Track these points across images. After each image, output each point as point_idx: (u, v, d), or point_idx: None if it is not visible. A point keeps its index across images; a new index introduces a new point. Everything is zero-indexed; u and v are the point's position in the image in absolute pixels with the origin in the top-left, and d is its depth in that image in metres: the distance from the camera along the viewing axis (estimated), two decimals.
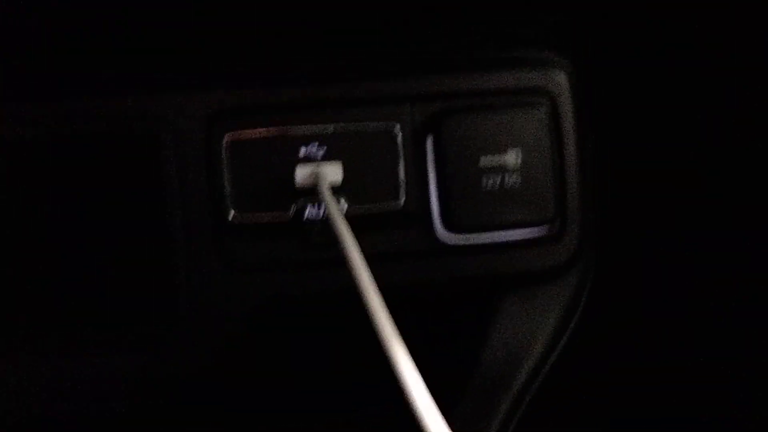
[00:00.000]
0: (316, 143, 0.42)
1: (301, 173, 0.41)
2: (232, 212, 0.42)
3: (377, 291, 0.32)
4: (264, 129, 0.42)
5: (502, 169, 0.43)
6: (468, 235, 0.44)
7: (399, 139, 0.43)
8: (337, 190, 0.42)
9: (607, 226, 0.48)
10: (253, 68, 0.43)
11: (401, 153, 0.43)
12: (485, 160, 0.43)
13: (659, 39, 0.44)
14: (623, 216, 0.48)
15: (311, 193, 0.41)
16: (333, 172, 0.41)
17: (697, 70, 0.43)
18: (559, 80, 0.45)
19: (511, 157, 0.43)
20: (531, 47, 0.46)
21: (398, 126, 0.43)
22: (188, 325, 0.42)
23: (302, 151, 0.42)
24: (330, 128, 0.42)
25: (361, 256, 0.34)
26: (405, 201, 0.43)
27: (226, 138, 0.41)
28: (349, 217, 0.42)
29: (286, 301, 0.43)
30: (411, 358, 0.30)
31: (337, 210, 0.38)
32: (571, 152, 0.45)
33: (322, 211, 0.42)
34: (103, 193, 0.41)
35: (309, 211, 0.42)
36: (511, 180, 0.43)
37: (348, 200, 0.43)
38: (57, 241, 0.41)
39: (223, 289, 0.42)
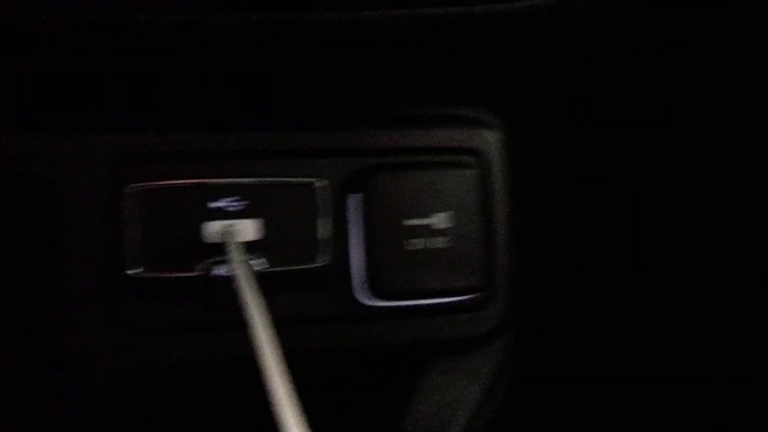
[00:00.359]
0: (231, 196, 0.39)
1: (211, 228, 0.38)
2: (133, 269, 0.38)
3: (279, 360, 0.29)
4: (174, 178, 0.39)
5: (429, 232, 0.41)
6: (392, 301, 0.41)
7: (321, 195, 0.40)
8: (253, 247, 0.39)
9: (534, 294, 0.46)
10: (166, 111, 0.40)
11: (323, 210, 0.40)
12: (412, 222, 0.41)
13: (589, 99, 0.44)
14: (549, 283, 0.46)
15: (220, 250, 0.38)
16: (246, 228, 0.38)
17: (630, 129, 0.42)
18: (491, 140, 0.43)
19: (440, 219, 0.41)
20: (463, 105, 0.45)
21: (323, 181, 0.40)
22: (81, 395, 0.38)
23: (215, 204, 0.39)
24: (247, 181, 0.39)
25: (266, 321, 0.31)
26: (325, 261, 0.40)
27: (132, 186, 0.38)
28: (265, 276, 0.39)
29: (190, 368, 0.39)
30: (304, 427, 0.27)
31: (244, 269, 0.34)
32: (501, 216, 0.43)
33: (230, 270, 0.39)
34: None
35: (218, 269, 0.39)
36: (439, 243, 0.41)
37: (265, 258, 0.39)
38: None
39: (120, 354, 0.38)
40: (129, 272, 0.38)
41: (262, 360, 0.29)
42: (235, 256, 0.36)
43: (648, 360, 0.42)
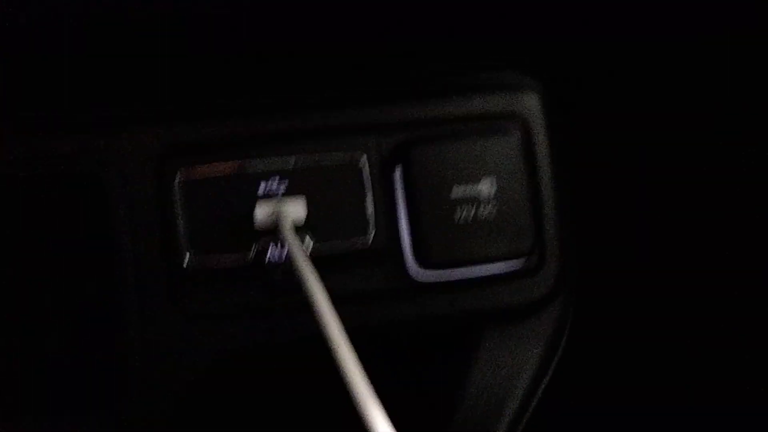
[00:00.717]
0: (277, 178, 0.39)
1: (261, 212, 0.38)
2: (188, 257, 0.38)
3: (346, 338, 0.29)
4: (220, 165, 0.39)
5: (475, 200, 0.41)
6: (442, 272, 0.41)
7: (365, 171, 0.40)
8: (301, 228, 0.39)
9: (587, 256, 0.46)
10: (206, 99, 0.40)
11: (368, 186, 0.40)
12: (457, 191, 0.41)
13: (631, 58, 0.43)
14: (603, 244, 0.45)
15: (273, 232, 0.38)
16: (295, 209, 0.38)
17: (671, 91, 0.41)
18: (531, 103, 0.43)
19: (485, 187, 0.41)
20: (500, 70, 0.44)
21: (364, 157, 0.40)
22: (144, 382, 0.39)
23: (262, 187, 0.39)
24: (291, 161, 0.40)
25: (328, 301, 0.31)
26: (374, 237, 0.40)
27: (179, 176, 0.38)
28: (315, 256, 0.39)
29: (250, 352, 0.40)
30: (384, 412, 0.27)
31: (300, 251, 0.34)
32: (547, 179, 0.43)
33: (285, 252, 0.39)
34: (48, 241, 0.38)
35: (271, 253, 0.39)
36: (486, 211, 0.41)
37: (313, 238, 0.40)
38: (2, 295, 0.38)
39: (180, 341, 0.39)
40: (184, 261, 0.38)
41: (331, 342, 0.29)
42: (290, 237, 0.36)
43: (705, 327, 0.41)
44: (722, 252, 0.39)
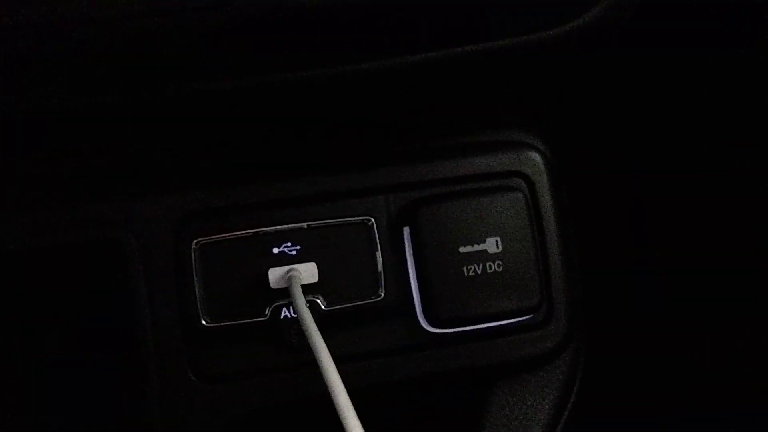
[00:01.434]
0: (289, 242, 0.41)
1: (275, 275, 0.40)
2: (205, 319, 0.40)
3: (347, 398, 0.30)
4: (234, 230, 0.40)
5: (482, 258, 0.42)
6: (454, 328, 0.42)
7: (375, 231, 0.42)
8: (313, 289, 0.41)
9: (595, 307, 0.46)
10: (220, 168, 0.42)
11: (378, 246, 0.42)
12: (465, 249, 0.42)
13: (634, 116, 0.44)
14: (610, 295, 0.46)
15: (287, 293, 0.40)
16: (307, 272, 0.40)
17: (672, 145, 0.42)
18: (534, 161, 0.44)
19: (491, 245, 0.42)
20: (503, 130, 0.46)
21: (373, 219, 0.42)
22: None
23: (275, 250, 0.41)
24: (303, 225, 0.41)
25: (332, 365, 0.32)
26: (384, 294, 0.42)
27: (195, 242, 0.40)
28: (329, 315, 0.40)
29: (267, 411, 0.41)
30: None
31: (306, 314, 0.36)
32: (553, 234, 0.44)
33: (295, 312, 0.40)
34: (69, 305, 0.39)
35: (285, 313, 0.40)
36: (493, 268, 0.42)
37: (326, 298, 0.41)
38: (21, 358, 0.39)
39: (198, 402, 0.40)
40: (201, 323, 0.40)
41: (332, 395, 0.30)
42: (298, 299, 0.37)
43: (715, 371, 0.41)
44: (731, 304, 0.40)
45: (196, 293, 0.40)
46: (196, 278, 0.40)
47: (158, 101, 0.34)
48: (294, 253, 0.41)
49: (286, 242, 0.41)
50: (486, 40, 0.35)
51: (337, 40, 0.33)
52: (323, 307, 0.41)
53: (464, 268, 0.42)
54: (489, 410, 0.45)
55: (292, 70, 0.33)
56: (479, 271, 0.42)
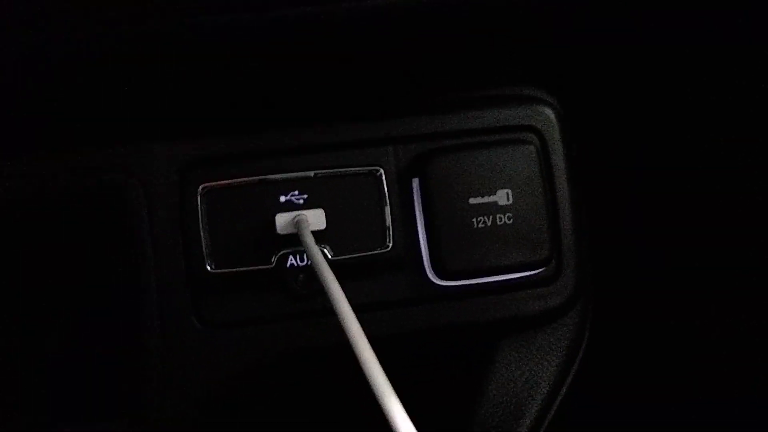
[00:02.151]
0: (297, 190, 0.40)
1: (282, 221, 0.39)
2: (210, 265, 0.39)
3: (368, 344, 0.29)
4: (241, 177, 0.40)
5: (492, 210, 0.41)
6: (462, 281, 0.42)
7: (383, 182, 0.41)
8: (320, 238, 0.40)
9: (604, 264, 0.46)
10: (227, 114, 0.41)
11: (386, 197, 0.41)
12: (474, 201, 0.41)
13: (644, 72, 0.43)
14: (619, 252, 0.46)
15: (293, 241, 0.39)
16: (315, 219, 0.39)
17: (687, 103, 0.42)
18: (547, 116, 0.44)
19: (501, 198, 0.42)
20: (516, 84, 0.45)
21: (382, 169, 0.41)
22: (165, 391, 0.39)
23: (282, 198, 0.40)
24: (310, 174, 0.40)
25: (350, 308, 0.32)
26: (392, 246, 0.41)
27: (202, 188, 0.39)
28: (335, 265, 0.40)
29: (272, 359, 0.40)
30: (406, 413, 0.28)
31: (321, 259, 0.35)
32: (563, 189, 0.43)
33: (305, 260, 0.40)
34: (71, 250, 0.39)
35: (291, 261, 0.40)
36: (503, 221, 0.42)
37: (332, 248, 0.40)
38: (23, 302, 0.39)
39: (202, 350, 0.39)
40: (206, 270, 0.39)
41: (355, 347, 0.30)
42: (310, 245, 0.37)
43: (723, 334, 0.41)
44: (740, 257, 0.40)
45: (202, 239, 0.39)
46: (201, 224, 0.39)
47: (168, 39, 0.34)
48: (301, 201, 0.40)
49: (294, 190, 0.40)
50: None
51: None
52: (330, 256, 0.40)
53: (474, 220, 0.41)
54: (495, 366, 0.45)
55: (303, 3, 0.33)
56: (489, 223, 0.41)
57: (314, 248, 0.36)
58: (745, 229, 0.39)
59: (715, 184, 0.40)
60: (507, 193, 0.42)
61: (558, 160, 0.44)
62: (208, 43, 0.35)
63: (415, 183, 0.41)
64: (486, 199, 0.41)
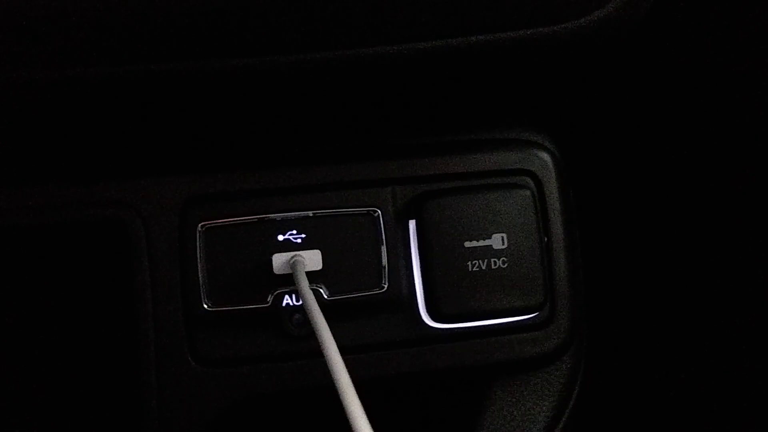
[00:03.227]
0: (294, 230, 0.41)
1: (279, 261, 0.40)
2: (207, 303, 0.40)
3: (353, 390, 0.29)
4: (240, 216, 0.40)
5: (487, 254, 0.42)
6: (456, 324, 0.42)
7: (380, 223, 0.42)
8: (316, 278, 0.40)
9: (599, 308, 0.46)
10: (228, 153, 0.42)
11: (383, 238, 0.42)
12: (470, 245, 0.42)
13: (640, 119, 0.44)
14: (613, 298, 0.46)
15: (290, 281, 0.40)
16: (312, 260, 0.40)
17: (681, 152, 0.42)
18: (543, 160, 0.44)
19: (497, 241, 0.42)
20: (512, 129, 0.46)
21: (379, 210, 0.42)
22: (160, 425, 0.39)
23: (280, 237, 0.41)
24: (309, 214, 0.41)
25: (338, 354, 0.32)
26: (388, 287, 0.41)
27: (201, 225, 0.40)
28: (330, 305, 0.40)
29: (265, 398, 0.40)
30: None
31: (313, 302, 0.36)
32: (558, 234, 0.44)
33: (301, 300, 0.40)
34: (69, 282, 0.39)
35: (287, 300, 0.40)
36: (497, 265, 0.42)
37: (328, 287, 0.41)
38: (21, 337, 0.39)
39: (196, 386, 0.40)
40: (203, 307, 0.40)
41: (336, 382, 0.30)
42: (304, 288, 0.37)
43: (717, 376, 0.41)
44: (734, 309, 0.40)
45: (199, 277, 0.40)
46: (199, 261, 0.40)
47: (171, 80, 0.34)
48: (299, 241, 0.41)
49: (292, 230, 0.41)
50: (496, 30, 0.35)
51: (349, 22, 0.33)
52: (326, 296, 0.41)
53: (468, 263, 0.41)
54: (487, 409, 0.45)
55: (305, 50, 0.33)
56: (483, 267, 0.42)
57: (307, 291, 0.37)
58: (745, 281, 0.39)
59: (711, 232, 0.41)
60: (502, 237, 0.42)
61: (554, 204, 0.44)
62: (214, 85, 0.36)
63: (412, 225, 0.42)
64: (481, 243, 0.42)
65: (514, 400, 0.45)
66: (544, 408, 0.45)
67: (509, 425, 0.45)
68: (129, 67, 0.34)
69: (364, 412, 0.28)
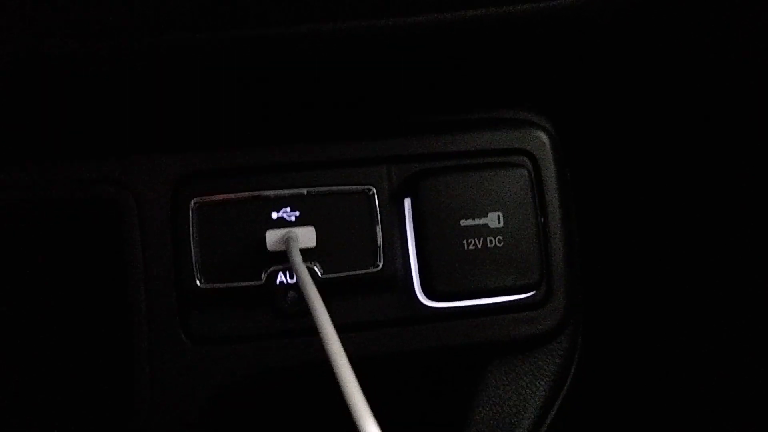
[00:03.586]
0: (289, 207, 0.40)
1: (272, 237, 0.39)
2: (200, 280, 0.39)
3: (348, 365, 0.29)
4: (234, 192, 0.40)
5: (483, 232, 0.41)
6: (451, 302, 0.42)
7: (375, 201, 0.41)
8: (310, 255, 0.40)
9: (595, 289, 0.46)
10: (221, 129, 0.42)
11: (378, 216, 0.41)
12: (465, 223, 0.41)
13: (637, 97, 0.44)
14: (610, 278, 0.46)
15: (283, 258, 0.39)
16: (305, 237, 0.39)
17: (679, 129, 0.42)
18: (540, 140, 0.44)
19: (493, 220, 0.42)
20: (509, 108, 0.45)
21: (374, 188, 0.41)
22: (152, 407, 0.39)
23: (274, 215, 0.40)
24: (303, 191, 0.41)
25: (333, 329, 0.31)
26: (383, 266, 0.41)
27: (194, 202, 0.40)
28: (324, 283, 0.40)
29: (258, 376, 0.40)
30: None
31: (307, 277, 0.35)
32: (555, 213, 0.43)
33: (295, 278, 0.40)
34: (61, 260, 0.39)
35: (281, 278, 0.40)
36: (493, 243, 0.42)
37: (322, 265, 0.41)
38: (11, 313, 0.39)
39: (188, 365, 0.39)
40: (196, 285, 0.39)
41: (331, 358, 0.29)
42: (298, 264, 0.37)
43: (714, 358, 0.41)
44: (730, 292, 0.40)
45: (192, 254, 0.39)
46: (192, 239, 0.39)
47: (164, 53, 0.34)
48: (293, 219, 0.40)
49: (285, 207, 0.40)
50: (491, 5, 0.35)
51: None
52: (320, 274, 0.40)
53: (464, 242, 0.41)
54: (482, 389, 0.45)
55: (299, 23, 0.33)
56: (479, 245, 0.41)
57: (301, 267, 0.36)
58: (740, 259, 0.39)
59: (709, 209, 0.40)
60: (498, 216, 0.42)
61: (550, 183, 0.44)
62: (207, 59, 0.35)
63: (407, 203, 0.42)
64: (477, 222, 0.41)
65: (509, 380, 0.45)
66: (539, 388, 0.45)
67: (504, 405, 0.45)
68: (121, 42, 0.33)
69: (359, 387, 0.28)
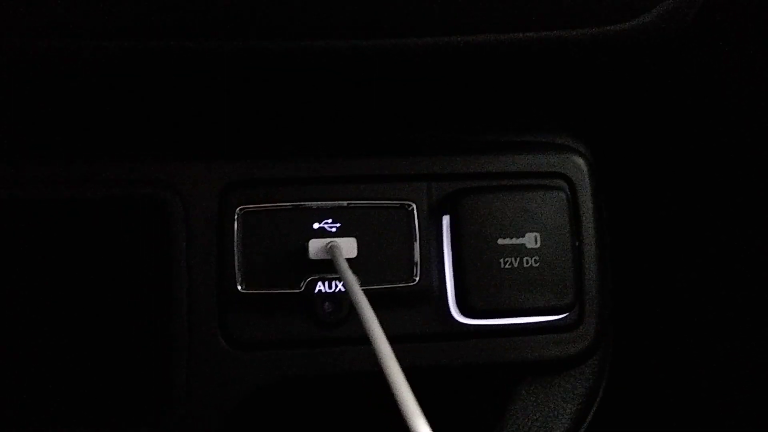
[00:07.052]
0: (330, 219, 0.41)
1: (315, 246, 0.40)
2: (241, 285, 0.40)
3: (398, 366, 0.30)
4: (278, 202, 0.41)
5: (520, 252, 0.42)
6: (485, 320, 0.42)
7: (414, 217, 0.42)
8: (354, 267, 0.41)
9: (626, 314, 0.46)
10: (270, 140, 0.43)
11: (416, 232, 0.42)
12: (503, 242, 0.42)
13: (672, 124, 0.44)
14: (642, 303, 0.46)
15: (323, 268, 0.40)
16: (347, 247, 0.40)
17: (712, 154, 0.42)
18: (578, 165, 0.44)
19: (530, 240, 0.42)
20: (549, 132, 0.46)
21: (414, 204, 0.42)
22: (187, 408, 0.40)
23: (315, 225, 0.41)
24: (344, 204, 0.42)
25: (381, 331, 0.32)
26: (419, 281, 0.42)
27: (239, 209, 0.41)
28: (368, 295, 0.40)
29: (294, 382, 0.41)
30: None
31: (355, 283, 0.36)
32: (590, 237, 0.44)
33: (333, 287, 0.40)
34: (106, 258, 0.40)
35: (320, 287, 0.41)
36: (529, 263, 0.42)
37: (360, 277, 0.41)
38: (55, 309, 0.40)
39: (226, 367, 0.40)
40: (237, 289, 0.40)
41: (387, 371, 0.30)
42: (344, 268, 0.37)
43: (744, 384, 0.41)
44: (764, 317, 0.40)
45: (235, 259, 0.40)
46: (236, 244, 0.40)
47: (221, 60, 0.35)
48: (334, 230, 0.41)
49: (327, 218, 0.41)
50: (540, 29, 0.36)
51: (389, 12, 0.33)
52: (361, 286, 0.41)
53: (501, 260, 0.42)
54: (511, 408, 0.45)
55: (351, 37, 0.34)
56: (515, 265, 0.42)
57: (348, 272, 0.37)
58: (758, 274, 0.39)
59: (745, 242, 0.41)
60: (535, 237, 0.42)
61: (586, 207, 0.44)
62: (263, 69, 0.36)
63: (446, 220, 0.42)
64: (514, 241, 0.42)
65: (538, 400, 0.45)
66: (567, 410, 0.45)
67: (532, 426, 0.45)
68: (189, 44, 0.34)
69: (410, 389, 0.28)
